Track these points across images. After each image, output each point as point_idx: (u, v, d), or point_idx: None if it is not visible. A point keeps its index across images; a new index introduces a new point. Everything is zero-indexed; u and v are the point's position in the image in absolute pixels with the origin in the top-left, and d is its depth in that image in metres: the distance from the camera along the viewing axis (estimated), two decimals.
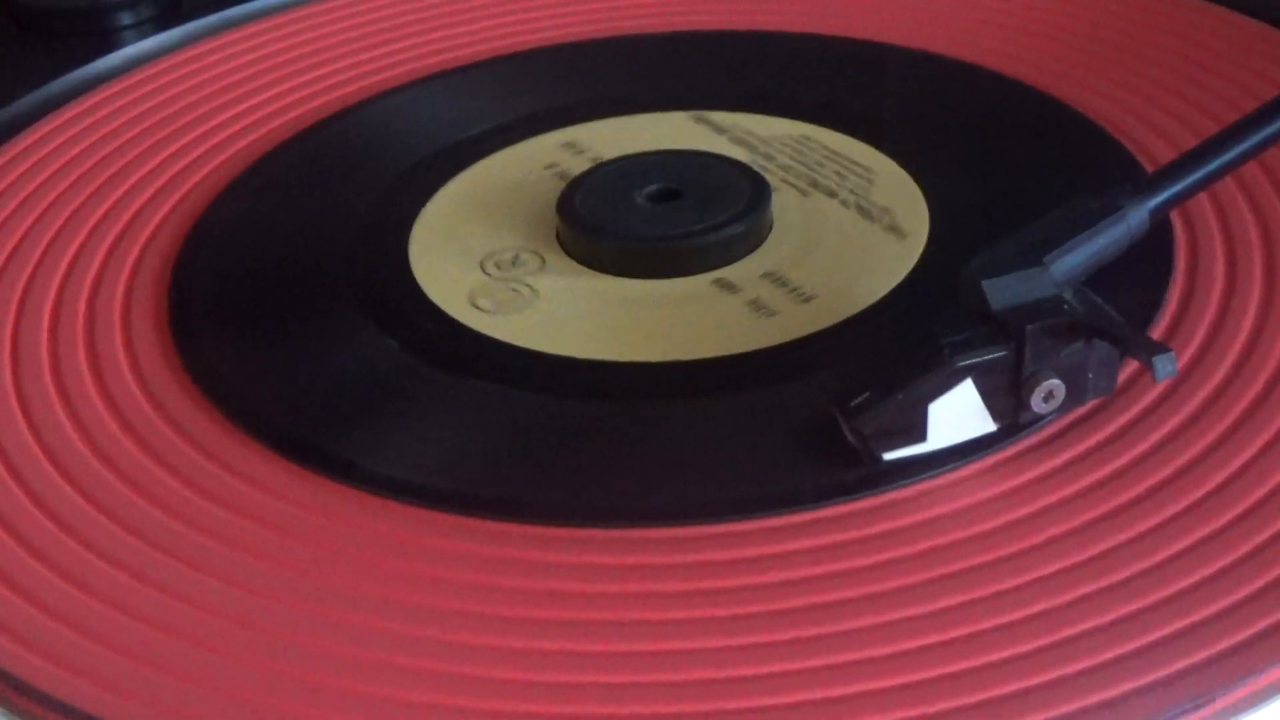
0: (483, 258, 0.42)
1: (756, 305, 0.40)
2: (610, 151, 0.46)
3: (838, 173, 0.45)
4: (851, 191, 0.44)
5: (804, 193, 0.44)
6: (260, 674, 0.31)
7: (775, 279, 0.41)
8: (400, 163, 0.47)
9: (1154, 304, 0.38)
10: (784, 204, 0.43)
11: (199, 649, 0.31)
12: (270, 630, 0.32)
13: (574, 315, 0.40)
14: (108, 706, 0.30)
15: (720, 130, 0.47)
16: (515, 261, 0.42)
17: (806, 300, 0.40)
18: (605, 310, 0.40)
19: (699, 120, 0.48)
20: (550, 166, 0.46)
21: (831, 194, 0.44)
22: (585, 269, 0.42)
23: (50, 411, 0.38)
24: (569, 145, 0.47)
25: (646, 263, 0.41)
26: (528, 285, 0.41)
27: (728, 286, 0.41)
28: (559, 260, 0.42)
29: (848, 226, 0.42)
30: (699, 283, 0.41)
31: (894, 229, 0.42)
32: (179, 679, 0.31)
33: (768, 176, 0.44)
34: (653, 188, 0.43)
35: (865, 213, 0.43)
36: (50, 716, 0.31)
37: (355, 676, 0.31)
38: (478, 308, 0.40)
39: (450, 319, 0.40)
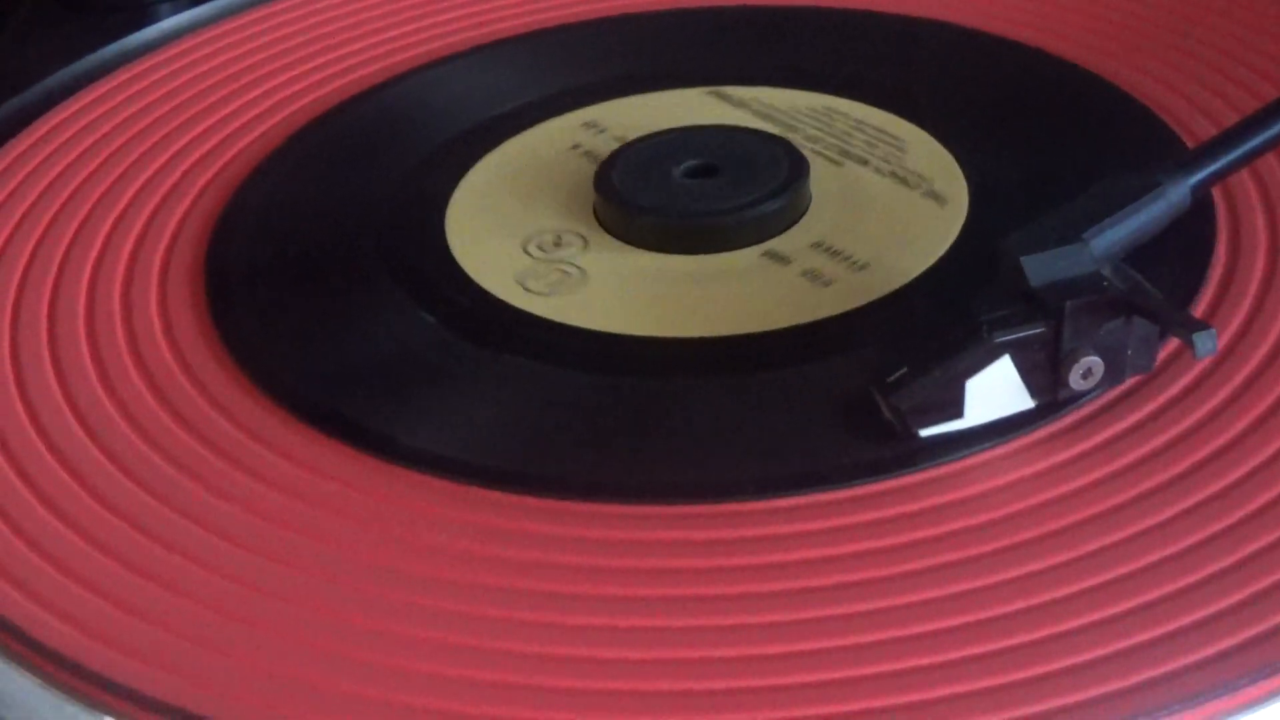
0: (524, 239, 0.42)
1: (806, 276, 0.40)
2: (633, 130, 0.45)
3: (867, 142, 0.44)
4: (884, 160, 0.44)
5: (836, 162, 0.44)
6: (294, 648, 0.31)
7: (823, 249, 0.41)
8: (438, 136, 0.47)
9: (1196, 281, 0.38)
10: (817, 174, 0.43)
11: (233, 622, 0.32)
12: (303, 604, 0.32)
13: (619, 292, 0.40)
14: (141, 678, 0.30)
15: (739, 104, 0.47)
16: (558, 242, 0.42)
17: (860, 268, 0.40)
18: (648, 286, 0.40)
19: (717, 95, 0.47)
20: (575, 146, 0.46)
21: (864, 162, 0.44)
22: (627, 246, 0.41)
23: (88, 386, 0.38)
24: (590, 125, 0.47)
25: (690, 238, 0.41)
26: (575, 266, 0.41)
27: (774, 259, 0.40)
28: (601, 238, 0.42)
29: (886, 194, 0.42)
30: (742, 257, 0.41)
31: (933, 195, 0.42)
32: (215, 653, 0.31)
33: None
34: (689, 163, 0.43)
35: (902, 180, 0.43)
36: (83, 687, 0.31)
37: (388, 651, 0.31)
38: (529, 290, 0.40)
39: (488, 295, 0.40)
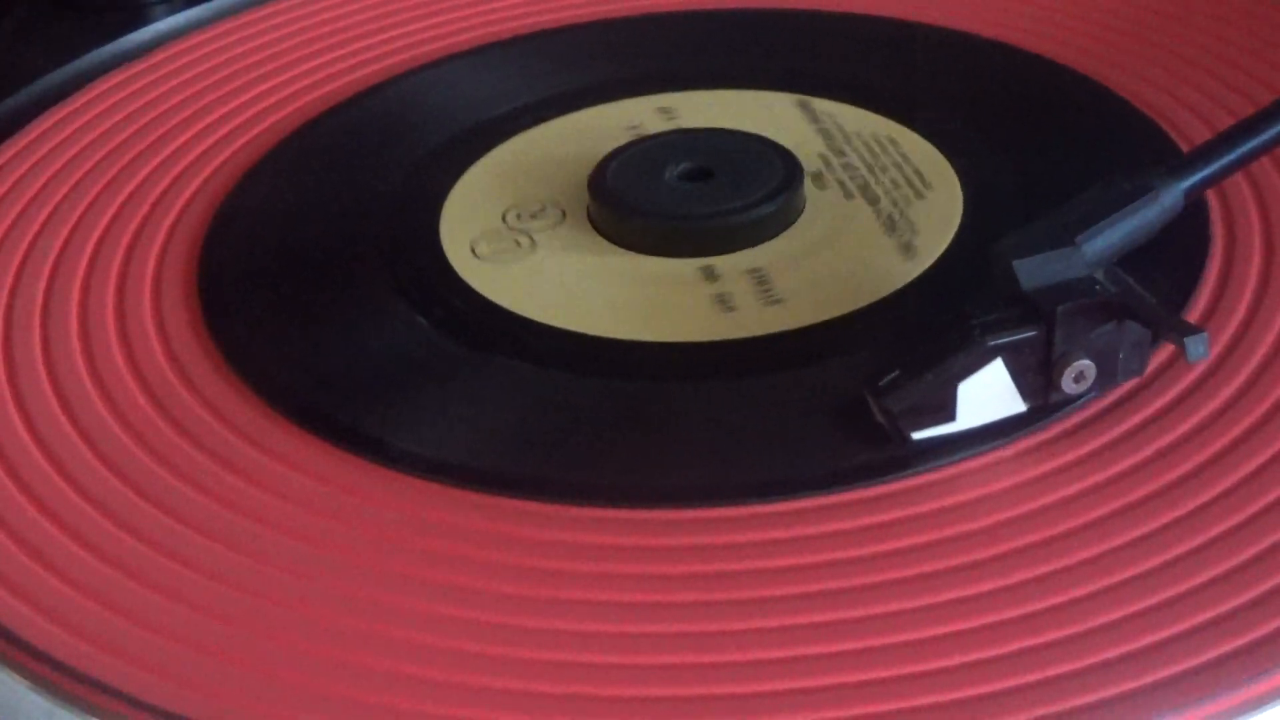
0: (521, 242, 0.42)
1: (773, 291, 0.40)
2: (632, 134, 0.45)
3: (893, 181, 0.44)
4: (894, 203, 0.43)
5: (849, 195, 0.43)
6: (286, 652, 0.31)
7: (826, 246, 0.41)
8: (432, 139, 0.47)
9: (1191, 286, 0.38)
10: (824, 200, 0.43)
11: (225, 626, 0.32)
12: (296, 608, 0.32)
13: (613, 295, 0.40)
14: (134, 682, 0.30)
15: (815, 118, 0.47)
16: (555, 245, 0.42)
17: (865, 265, 0.40)
18: (641, 289, 0.40)
19: (800, 105, 0.47)
20: (570, 150, 0.46)
21: (874, 201, 0.43)
22: (622, 249, 0.41)
23: (81, 390, 0.38)
24: (584, 129, 0.47)
25: (684, 241, 0.41)
26: (574, 267, 0.41)
27: (757, 269, 0.40)
28: (595, 241, 0.42)
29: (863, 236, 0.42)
30: (732, 261, 0.41)
31: (908, 248, 0.41)
32: (207, 655, 0.31)
33: (825, 170, 0.43)
34: (684, 166, 0.43)
35: (891, 226, 0.42)
36: (74, 690, 0.31)
37: (381, 654, 0.31)
38: (528, 294, 0.40)
39: (482, 297, 0.40)
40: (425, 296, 0.40)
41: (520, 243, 0.42)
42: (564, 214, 0.43)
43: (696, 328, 0.38)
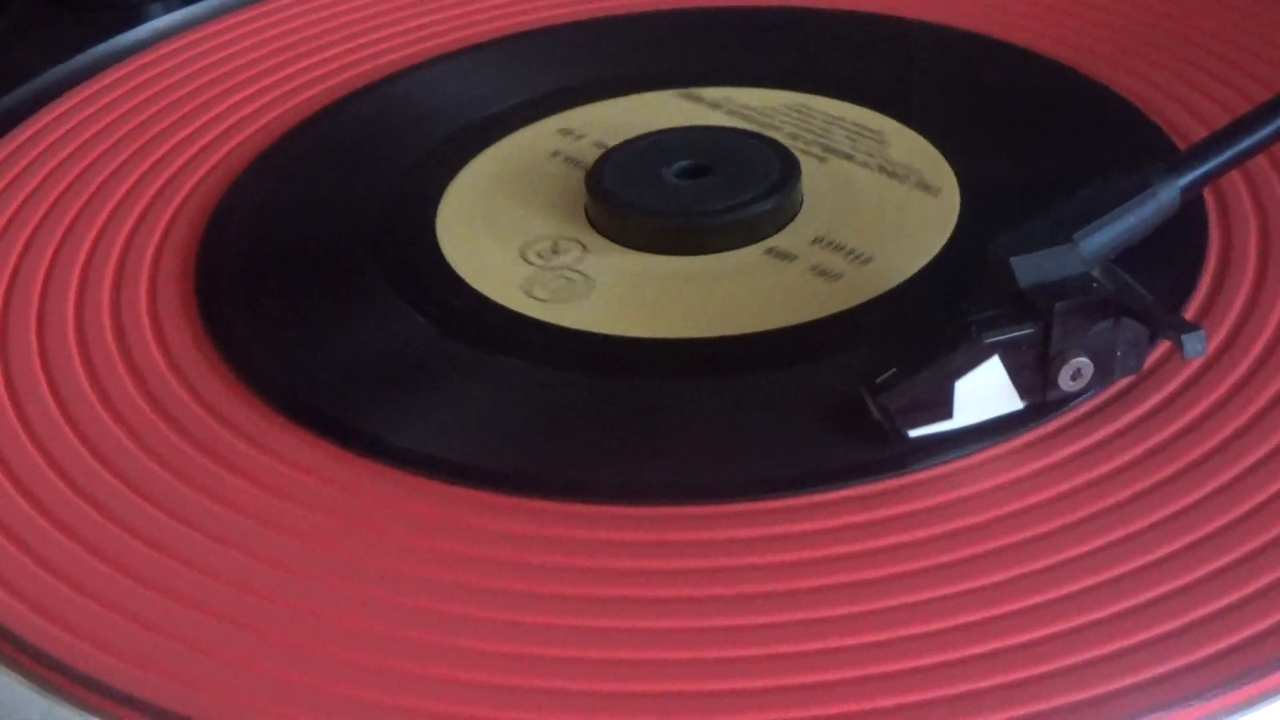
0: (520, 243, 0.42)
1: (814, 273, 0.40)
2: (611, 134, 0.45)
3: (848, 136, 0.44)
4: (869, 154, 0.44)
5: (820, 158, 0.44)
6: (283, 650, 0.31)
7: (823, 245, 0.41)
8: (429, 137, 0.47)
9: (1188, 283, 0.38)
10: (804, 170, 0.43)
11: (224, 623, 0.31)
12: (293, 606, 0.32)
13: (621, 295, 0.40)
14: (135, 682, 0.30)
15: (713, 105, 0.47)
16: (555, 248, 0.42)
17: (864, 262, 0.40)
18: (647, 288, 0.40)
19: (688, 97, 0.47)
20: (555, 152, 0.46)
21: (848, 157, 0.44)
22: (624, 248, 0.41)
23: (78, 389, 0.38)
24: (566, 130, 0.47)
25: (691, 238, 0.41)
26: (579, 272, 0.41)
27: (775, 258, 0.40)
28: (595, 241, 0.42)
29: (876, 187, 0.42)
30: (732, 258, 0.41)
31: (923, 185, 0.42)
32: (206, 655, 0.31)
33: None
34: (681, 164, 0.43)
35: (890, 174, 0.43)
36: (71, 689, 0.31)
37: (381, 653, 0.31)
38: (533, 296, 0.40)
39: (480, 296, 0.40)
40: (422, 294, 0.40)
41: (516, 240, 0.42)
42: (560, 211, 0.43)
43: (693, 325, 0.38)
